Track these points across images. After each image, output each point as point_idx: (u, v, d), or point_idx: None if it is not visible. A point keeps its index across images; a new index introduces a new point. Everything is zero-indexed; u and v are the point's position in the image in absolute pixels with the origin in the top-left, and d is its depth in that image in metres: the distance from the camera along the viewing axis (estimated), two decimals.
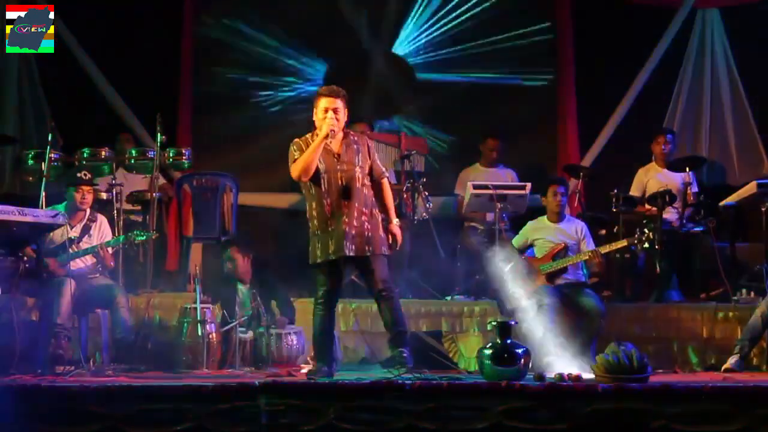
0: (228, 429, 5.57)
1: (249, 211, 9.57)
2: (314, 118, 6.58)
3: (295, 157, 6.51)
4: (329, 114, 6.47)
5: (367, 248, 6.49)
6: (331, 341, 6.70)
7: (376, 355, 7.46)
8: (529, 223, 8.07)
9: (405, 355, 6.44)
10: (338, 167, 6.50)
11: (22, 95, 10.13)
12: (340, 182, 6.49)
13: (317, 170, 6.46)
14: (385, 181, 6.76)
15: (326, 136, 6.44)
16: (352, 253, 6.45)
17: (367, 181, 6.60)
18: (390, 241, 6.65)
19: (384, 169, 6.85)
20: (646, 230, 7.77)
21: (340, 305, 7.07)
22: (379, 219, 6.62)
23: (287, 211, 9.90)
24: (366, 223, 6.51)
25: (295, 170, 6.50)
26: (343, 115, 6.54)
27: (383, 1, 10.47)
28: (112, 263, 7.65)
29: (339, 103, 6.51)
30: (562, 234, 7.86)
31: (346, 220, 6.44)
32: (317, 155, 6.44)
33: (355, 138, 6.68)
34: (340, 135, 6.57)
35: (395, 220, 6.71)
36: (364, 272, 6.65)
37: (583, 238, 7.91)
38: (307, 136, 6.59)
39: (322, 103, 6.52)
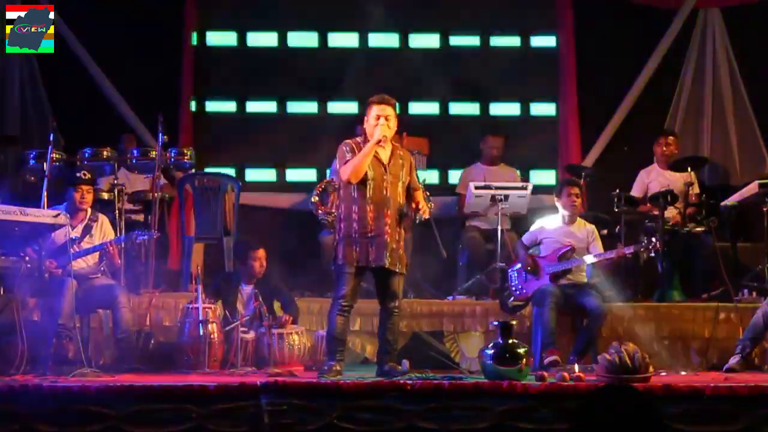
0: (229, 429, 5.56)
1: (250, 211, 9.56)
2: (365, 126, 6.74)
3: (347, 158, 6.64)
4: (381, 120, 6.61)
5: (397, 265, 6.65)
6: (345, 343, 6.78)
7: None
8: (539, 221, 8.05)
9: (400, 366, 6.65)
10: (384, 177, 6.63)
11: (24, 95, 10.13)
12: (384, 192, 6.61)
13: (365, 175, 6.58)
14: (420, 191, 6.90)
15: (378, 142, 6.56)
16: (387, 265, 6.59)
17: (402, 199, 6.75)
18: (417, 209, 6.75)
19: (419, 184, 7.00)
20: (654, 239, 7.75)
21: None
22: (403, 239, 6.79)
23: (288, 211, 9.90)
24: (400, 240, 6.70)
25: (345, 172, 6.62)
26: (393, 123, 6.68)
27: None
28: (119, 261, 7.67)
29: (390, 111, 6.68)
30: (571, 236, 7.84)
31: (388, 230, 6.58)
32: (368, 159, 6.58)
33: (401, 153, 6.83)
34: (390, 146, 6.67)
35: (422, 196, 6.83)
36: (383, 284, 6.74)
37: (592, 241, 7.90)
38: (358, 140, 6.75)
39: (374, 110, 6.68)
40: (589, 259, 7.73)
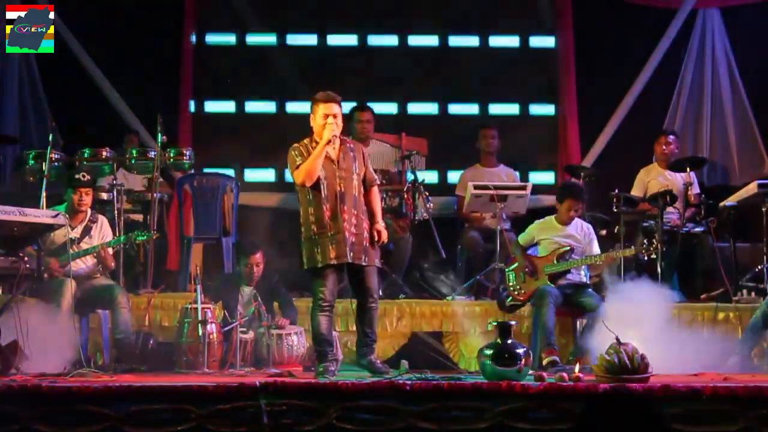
0: (229, 429, 5.56)
1: (249, 211, 9.56)
2: (312, 124, 6.67)
3: (297, 162, 6.59)
4: (329, 120, 6.54)
5: (363, 258, 6.62)
6: (333, 342, 6.76)
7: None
8: (537, 222, 8.07)
9: (380, 365, 6.73)
10: (337, 174, 6.59)
11: (23, 95, 10.14)
12: (338, 188, 6.57)
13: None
14: (375, 188, 6.86)
15: (328, 142, 6.49)
16: (351, 260, 6.56)
17: (362, 189, 6.71)
18: (378, 242, 6.71)
19: (375, 176, 6.92)
20: (654, 240, 7.75)
21: (339, 305, 7.13)
22: (367, 231, 6.72)
23: (288, 211, 9.90)
24: (365, 232, 6.65)
25: (298, 176, 6.57)
26: (341, 120, 6.62)
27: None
28: (113, 264, 7.66)
29: (337, 109, 6.62)
30: (569, 237, 7.86)
31: (346, 226, 6.53)
32: (320, 161, 6.53)
33: (351, 146, 6.79)
34: (338, 142, 6.62)
35: (381, 223, 6.77)
36: (355, 280, 6.74)
37: (590, 241, 7.91)
38: (305, 141, 6.68)
39: (321, 109, 6.60)
40: (588, 260, 7.75)
